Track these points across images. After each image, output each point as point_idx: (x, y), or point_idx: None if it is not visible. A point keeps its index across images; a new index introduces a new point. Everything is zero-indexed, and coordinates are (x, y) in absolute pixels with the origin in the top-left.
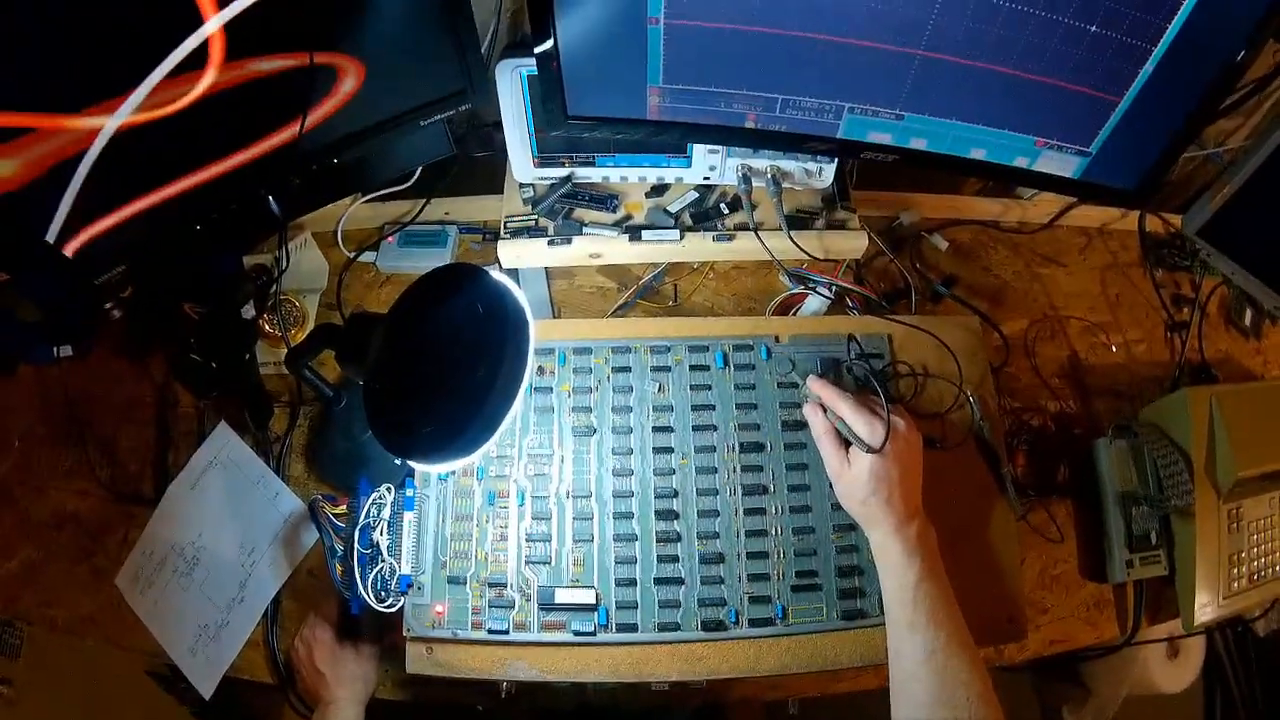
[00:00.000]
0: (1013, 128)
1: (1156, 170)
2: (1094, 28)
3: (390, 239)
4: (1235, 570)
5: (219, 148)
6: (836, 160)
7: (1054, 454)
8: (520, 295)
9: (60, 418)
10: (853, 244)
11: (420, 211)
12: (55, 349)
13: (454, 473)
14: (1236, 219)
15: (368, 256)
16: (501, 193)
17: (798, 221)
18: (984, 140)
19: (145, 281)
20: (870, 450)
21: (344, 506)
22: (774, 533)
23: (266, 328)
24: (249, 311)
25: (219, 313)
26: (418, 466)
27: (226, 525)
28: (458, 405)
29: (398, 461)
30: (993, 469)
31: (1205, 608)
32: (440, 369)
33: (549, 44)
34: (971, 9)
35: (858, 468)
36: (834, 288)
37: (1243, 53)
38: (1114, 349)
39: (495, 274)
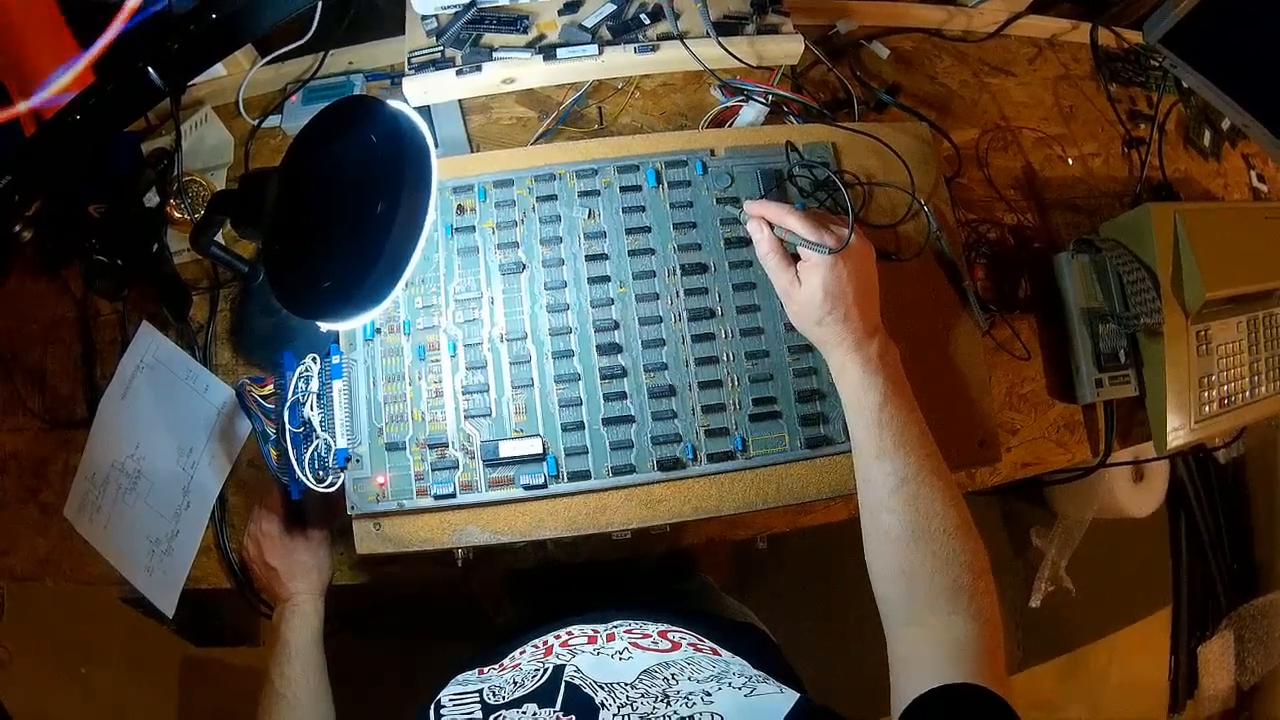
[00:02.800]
0: None
1: None
2: None
3: (294, 98)
4: (1206, 394)
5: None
6: None
7: (1014, 268)
8: (417, 118)
9: None
10: (788, 48)
11: (321, 64)
12: None
13: (379, 330)
14: (1202, 27)
15: (272, 121)
16: (403, 28)
17: (726, 28)
18: None
19: (37, 191)
20: (831, 251)
21: (271, 386)
22: (726, 359)
23: (175, 214)
24: (152, 200)
25: (119, 206)
26: (329, 326)
27: (162, 430)
28: (358, 249)
29: (323, 329)
30: (953, 282)
31: (1177, 431)
32: (336, 213)
33: None
34: None
35: (810, 284)
36: (770, 96)
37: None
38: (1070, 162)
39: (390, 101)
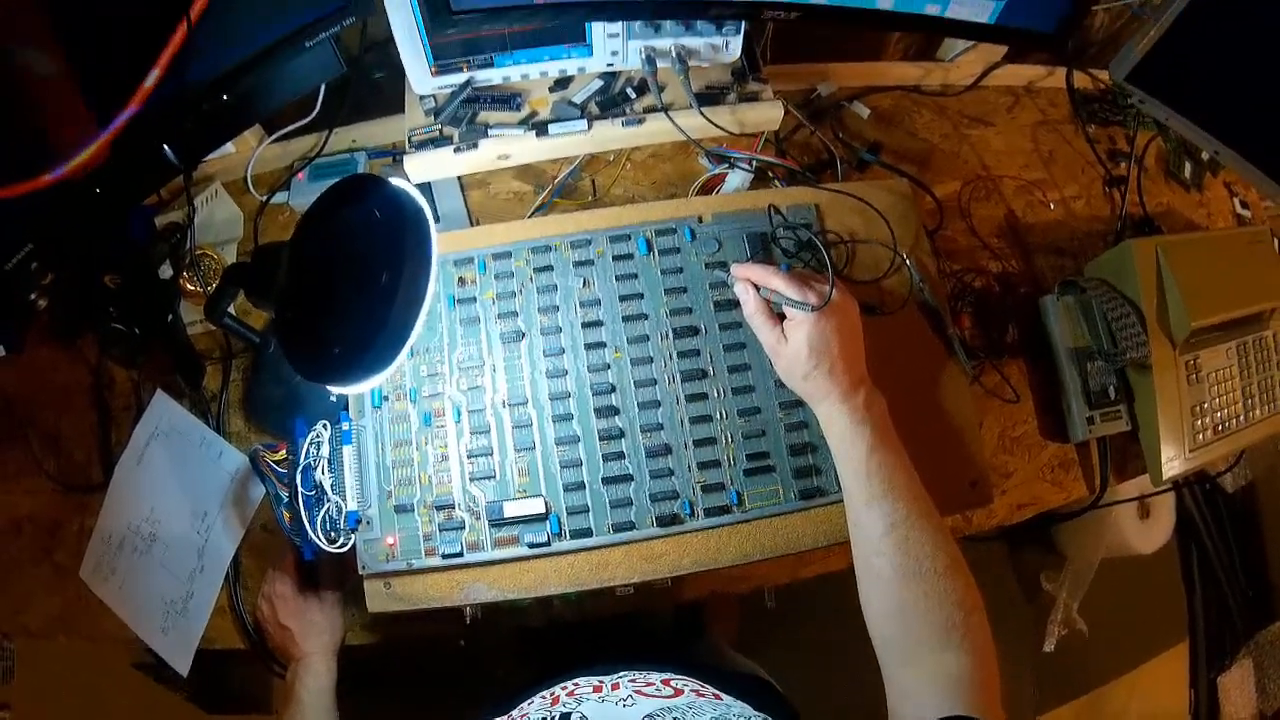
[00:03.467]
0: None
1: (1074, 9)
2: None
3: (300, 176)
4: (1199, 422)
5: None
6: (742, 30)
7: (1000, 314)
8: (417, 194)
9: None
10: (768, 115)
11: (326, 143)
12: None
13: (387, 398)
14: (1165, 60)
15: (280, 198)
16: (403, 108)
17: (709, 98)
18: None
19: (56, 260)
20: (814, 308)
21: (283, 452)
22: (719, 417)
23: (188, 286)
24: (166, 272)
25: (135, 277)
26: (339, 390)
27: (176, 495)
28: (365, 317)
29: (333, 398)
30: (939, 332)
31: (1172, 461)
32: (344, 284)
33: None
34: None
35: (795, 341)
36: (754, 162)
37: None
38: (1052, 206)
39: (392, 179)
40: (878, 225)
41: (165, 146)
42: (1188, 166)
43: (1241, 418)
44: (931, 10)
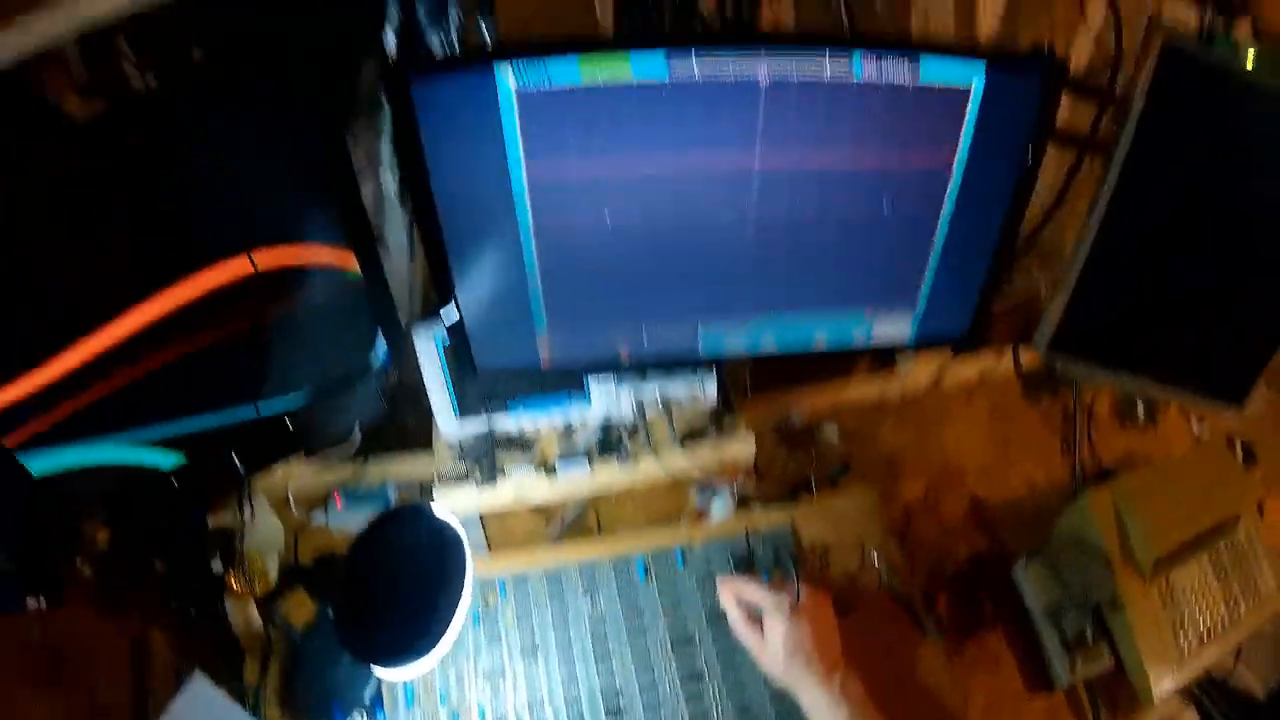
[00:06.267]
0: (842, 304)
1: (981, 309)
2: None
3: (339, 504)
4: (1183, 635)
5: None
6: (715, 377)
7: (975, 590)
8: (457, 524)
9: (34, 668)
10: (744, 449)
11: (361, 473)
12: (26, 598)
13: (418, 696)
14: (1078, 321)
15: (318, 519)
16: (431, 447)
17: (692, 435)
18: (821, 323)
19: (120, 531)
20: (784, 617)
21: None
22: (716, 715)
23: (234, 585)
24: (217, 566)
25: (192, 566)
26: (383, 673)
27: None
28: (410, 615)
29: (366, 698)
30: (915, 619)
31: (1163, 680)
32: (394, 589)
33: (454, 314)
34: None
35: (772, 640)
36: (736, 490)
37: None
38: (1013, 483)
39: (435, 510)
40: (849, 531)
41: (234, 454)
42: (1140, 405)
43: (1226, 620)
44: (859, 338)
